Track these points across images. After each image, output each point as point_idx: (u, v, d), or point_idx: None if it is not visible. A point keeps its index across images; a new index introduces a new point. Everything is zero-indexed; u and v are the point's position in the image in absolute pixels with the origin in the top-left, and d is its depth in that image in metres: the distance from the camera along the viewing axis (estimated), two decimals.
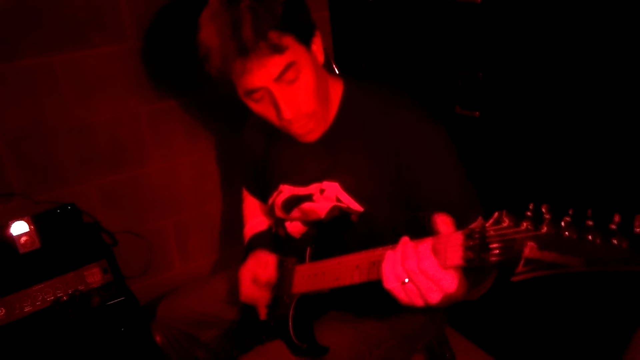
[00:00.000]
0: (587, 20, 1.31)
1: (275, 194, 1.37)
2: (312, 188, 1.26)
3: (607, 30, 1.28)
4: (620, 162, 1.35)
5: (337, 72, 2.06)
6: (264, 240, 1.47)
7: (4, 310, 1.58)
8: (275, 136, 1.31)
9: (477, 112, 1.69)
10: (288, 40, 1.00)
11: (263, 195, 1.47)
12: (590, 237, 0.58)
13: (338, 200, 1.20)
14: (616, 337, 1.27)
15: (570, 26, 1.35)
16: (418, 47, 1.86)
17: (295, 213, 1.32)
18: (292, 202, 1.31)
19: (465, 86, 1.70)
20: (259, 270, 1.31)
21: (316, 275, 1.15)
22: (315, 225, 1.27)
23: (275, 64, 1.00)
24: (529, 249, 0.63)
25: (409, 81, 1.94)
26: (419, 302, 0.83)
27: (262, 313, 1.32)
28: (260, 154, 1.42)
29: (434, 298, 0.81)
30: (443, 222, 0.82)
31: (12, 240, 1.71)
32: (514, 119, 1.59)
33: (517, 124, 1.59)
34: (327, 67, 1.19)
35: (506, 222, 0.67)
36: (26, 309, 1.61)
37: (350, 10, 2.13)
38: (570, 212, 0.60)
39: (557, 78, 1.43)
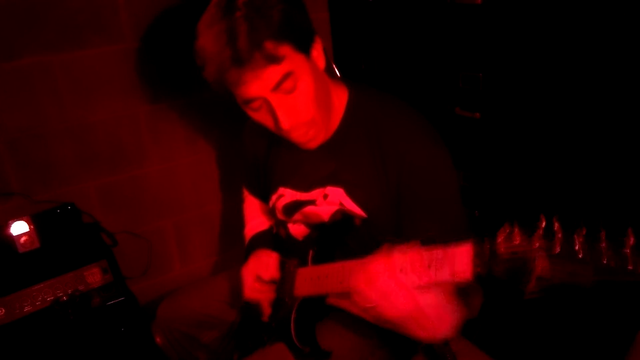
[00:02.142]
0: (587, 21, 1.31)
1: (275, 196, 1.36)
2: (315, 194, 1.25)
3: (608, 30, 1.28)
4: (622, 163, 1.35)
5: (338, 74, 2.05)
6: (265, 241, 1.47)
7: (3, 310, 1.58)
8: (275, 139, 1.31)
9: (478, 114, 1.69)
10: (285, 50, 0.98)
11: (264, 195, 1.47)
12: (602, 252, 0.58)
13: (341, 205, 1.20)
14: (617, 340, 1.28)
15: (571, 27, 1.36)
16: (418, 48, 1.86)
17: (297, 216, 1.32)
18: (294, 207, 1.31)
19: (466, 87, 1.70)
20: (261, 269, 1.31)
21: (319, 278, 1.15)
22: (318, 228, 1.27)
23: (271, 74, 0.98)
24: (541, 267, 0.63)
25: (410, 82, 1.94)
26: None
27: (266, 312, 1.33)
28: (261, 156, 1.41)
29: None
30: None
31: (12, 240, 1.70)
32: (515, 121, 1.59)
33: (518, 126, 1.59)
34: (329, 71, 1.18)
35: (517, 237, 0.67)
36: (26, 309, 1.60)
37: (350, 11, 2.13)
38: (582, 225, 0.60)
39: (558, 79, 1.44)
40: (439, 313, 0.86)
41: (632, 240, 0.57)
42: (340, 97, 1.20)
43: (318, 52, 1.09)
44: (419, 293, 0.82)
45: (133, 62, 1.92)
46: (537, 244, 0.64)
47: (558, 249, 0.62)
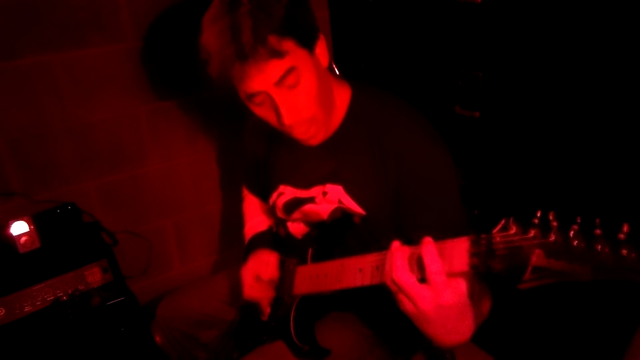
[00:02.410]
0: (587, 20, 1.31)
1: (275, 194, 1.36)
2: (314, 191, 1.25)
3: (607, 29, 1.28)
4: (620, 162, 1.35)
5: (337, 72, 2.06)
6: (264, 240, 1.47)
7: (4, 310, 1.58)
8: (276, 137, 1.31)
9: (477, 112, 1.69)
10: (289, 45, 0.99)
11: (263, 194, 1.47)
12: (598, 246, 0.58)
13: (340, 202, 1.20)
14: (616, 337, 1.28)
15: (570, 26, 1.36)
16: (418, 46, 1.86)
17: (297, 214, 1.32)
18: (294, 204, 1.31)
19: (465, 86, 1.70)
20: (260, 270, 1.31)
21: (318, 277, 1.14)
22: (317, 226, 1.27)
23: (274, 68, 0.99)
24: (537, 257, 0.62)
25: (409, 81, 1.94)
26: (410, 307, 0.82)
27: (266, 312, 1.33)
28: (261, 155, 1.41)
29: (426, 305, 0.79)
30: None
31: (12, 240, 1.71)
32: (514, 119, 1.59)
33: (518, 124, 1.59)
34: (329, 69, 1.18)
35: (513, 230, 0.67)
36: (26, 309, 1.61)
37: (350, 10, 2.13)
38: (579, 220, 0.59)
39: (557, 78, 1.43)
40: (462, 312, 0.83)
41: (629, 237, 0.57)
42: (342, 96, 1.20)
43: (322, 49, 1.09)
44: (440, 292, 0.79)
45: (134, 62, 1.93)
46: (532, 233, 0.64)
47: (553, 237, 0.62)
